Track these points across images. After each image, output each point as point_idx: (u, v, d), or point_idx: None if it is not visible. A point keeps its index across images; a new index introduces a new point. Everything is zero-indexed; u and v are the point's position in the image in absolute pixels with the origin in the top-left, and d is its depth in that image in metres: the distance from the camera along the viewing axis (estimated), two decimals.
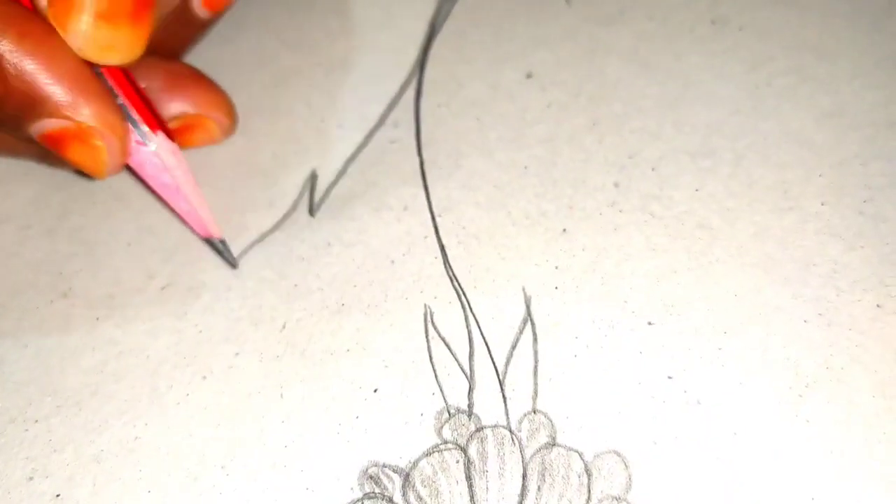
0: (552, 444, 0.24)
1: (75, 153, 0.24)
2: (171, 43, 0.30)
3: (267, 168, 0.32)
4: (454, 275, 0.28)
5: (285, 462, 0.25)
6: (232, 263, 0.29)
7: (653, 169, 0.30)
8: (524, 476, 0.24)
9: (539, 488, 0.24)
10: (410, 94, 0.33)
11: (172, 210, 0.28)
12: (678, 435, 0.24)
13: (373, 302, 0.28)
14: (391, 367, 0.26)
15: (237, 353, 0.27)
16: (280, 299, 0.28)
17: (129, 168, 0.27)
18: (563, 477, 0.24)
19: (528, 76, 0.33)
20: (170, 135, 0.27)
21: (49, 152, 0.25)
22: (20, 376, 0.27)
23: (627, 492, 0.23)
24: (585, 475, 0.24)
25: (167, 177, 0.27)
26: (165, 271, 0.30)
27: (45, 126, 0.24)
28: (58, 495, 0.25)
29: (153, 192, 0.28)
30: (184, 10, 0.29)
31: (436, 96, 0.33)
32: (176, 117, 0.29)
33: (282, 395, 0.26)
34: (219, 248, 0.29)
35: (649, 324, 0.26)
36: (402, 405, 0.26)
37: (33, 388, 0.27)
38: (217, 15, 0.30)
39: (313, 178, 0.31)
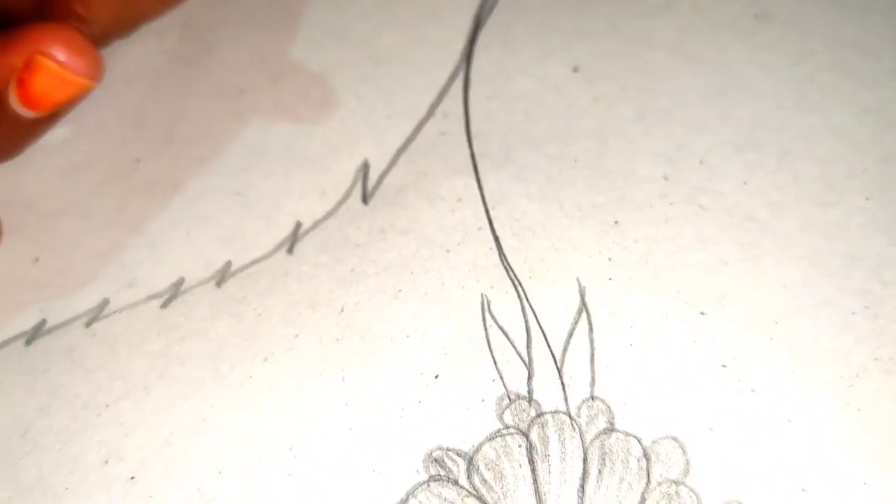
0: (611, 429, 0.25)
1: None
2: None
3: (318, 157, 0.32)
4: (509, 265, 0.29)
5: (351, 445, 0.26)
6: None
7: (700, 162, 0.30)
8: (585, 460, 0.25)
9: (600, 472, 0.25)
10: (458, 86, 0.34)
11: None
12: (734, 421, 0.25)
13: (430, 290, 0.29)
14: (451, 353, 0.27)
15: (297, 336, 0.28)
16: (337, 283, 0.29)
17: None
18: (622, 461, 0.25)
19: (575, 69, 0.33)
20: None
21: None
22: (91, 363, 0.28)
23: (686, 476, 0.24)
24: (644, 459, 0.25)
25: None
26: (223, 257, 0.30)
27: None
28: (132, 477, 0.26)
29: None
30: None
31: (484, 89, 0.33)
32: None
33: (343, 378, 0.27)
34: None
35: (702, 314, 0.27)
36: (463, 391, 0.26)
37: (103, 373, 0.28)
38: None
39: (365, 167, 0.32)
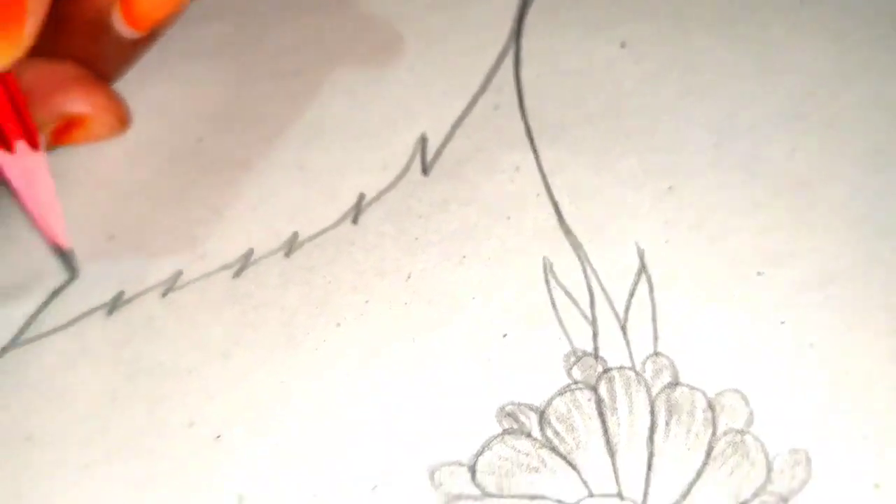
0: (675, 383, 0.26)
1: None
2: (96, 64, 0.30)
3: (376, 132, 0.34)
4: (569, 230, 0.30)
5: (425, 402, 0.27)
6: (72, 272, 0.31)
7: (749, 132, 0.31)
8: (652, 412, 0.26)
9: (667, 423, 0.26)
10: (509, 64, 0.35)
11: (28, 213, 0.30)
12: (794, 374, 0.26)
13: (493, 255, 0.30)
14: (517, 314, 0.28)
15: (366, 302, 0.29)
16: (402, 252, 0.30)
17: None
18: (688, 413, 0.26)
19: (622, 46, 0.35)
20: (34, 141, 0.28)
21: None
22: (170, 332, 0.29)
23: (750, 426, 0.26)
24: (709, 410, 0.26)
25: (22, 181, 0.29)
26: (290, 229, 0.31)
27: None
28: (218, 436, 0.27)
29: (13, 193, 0.29)
30: (103, 28, 0.28)
31: (534, 66, 0.35)
32: (58, 117, 0.30)
33: (414, 340, 0.28)
34: (64, 256, 0.31)
35: (758, 274, 0.28)
36: (530, 349, 0.28)
37: (183, 342, 0.29)
38: (150, 35, 0.29)
39: (423, 140, 0.33)
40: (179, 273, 0.31)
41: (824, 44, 0.34)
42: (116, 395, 0.28)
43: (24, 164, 0.29)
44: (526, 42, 0.35)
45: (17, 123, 0.28)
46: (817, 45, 0.34)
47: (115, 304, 0.30)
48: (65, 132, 0.31)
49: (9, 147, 0.28)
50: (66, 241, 0.31)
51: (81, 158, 0.34)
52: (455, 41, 0.36)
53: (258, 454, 0.27)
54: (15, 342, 0.30)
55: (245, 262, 0.31)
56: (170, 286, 0.31)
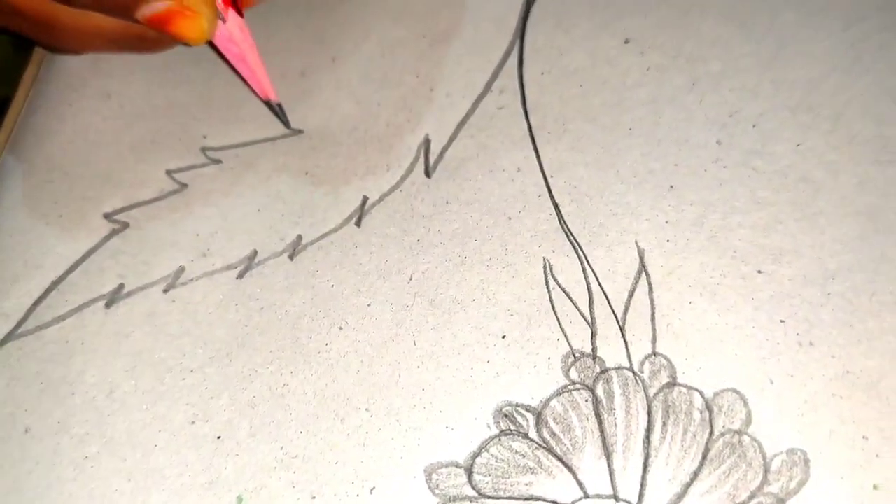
0: (673, 383, 0.26)
1: (179, 26, 0.29)
2: None
3: (381, 135, 0.34)
4: (569, 230, 0.30)
5: (424, 403, 0.27)
6: (286, 124, 0.34)
7: (754, 126, 0.31)
8: (649, 413, 0.26)
9: (664, 424, 0.26)
10: (513, 62, 0.35)
11: (239, 75, 0.34)
12: (794, 374, 0.26)
13: (494, 255, 0.30)
14: (516, 315, 0.28)
15: (369, 304, 0.29)
16: (405, 253, 0.30)
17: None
18: (685, 413, 0.26)
19: (626, 42, 0.34)
20: (239, 7, 0.32)
21: (143, 40, 0.31)
22: (173, 329, 0.30)
23: (748, 426, 0.25)
24: (707, 411, 0.26)
25: (235, 47, 0.32)
26: (294, 232, 0.32)
27: (152, 9, 0.29)
28: (218, 437, 0.27)
29: (225, 59, 0.33)
30: None
31: (538, 64, 0.34)
32: None
33: (415, 343, 0.28)
34: (275, 109, 0.34)
35: (759, 272, 0.28)
36: (529, 350, 0.28)
37: (186, 340, 0.29)
38: None
39: (427, 142, 0.33)
40: (182, 270, 0.31)
41: (835, 32, 0.33)
42: (114, 389, 0.29)
43: (233, 30, 0.32)
44: (529, 41, 0.35)
45: None
46: (827, 32, 0.33)
47: (113, 298, 0.31)
48: None
49: (223, 17, 0.31)
50: (275, 96, 0.34)
51: (83, 148, 0.35)
52: (459, 41, 0.36)
53: (258, 455, 0.27)
54: (12, 334, 0.30)
55: (249, 263, 0.31)
56: (172, 283, 0.31)
